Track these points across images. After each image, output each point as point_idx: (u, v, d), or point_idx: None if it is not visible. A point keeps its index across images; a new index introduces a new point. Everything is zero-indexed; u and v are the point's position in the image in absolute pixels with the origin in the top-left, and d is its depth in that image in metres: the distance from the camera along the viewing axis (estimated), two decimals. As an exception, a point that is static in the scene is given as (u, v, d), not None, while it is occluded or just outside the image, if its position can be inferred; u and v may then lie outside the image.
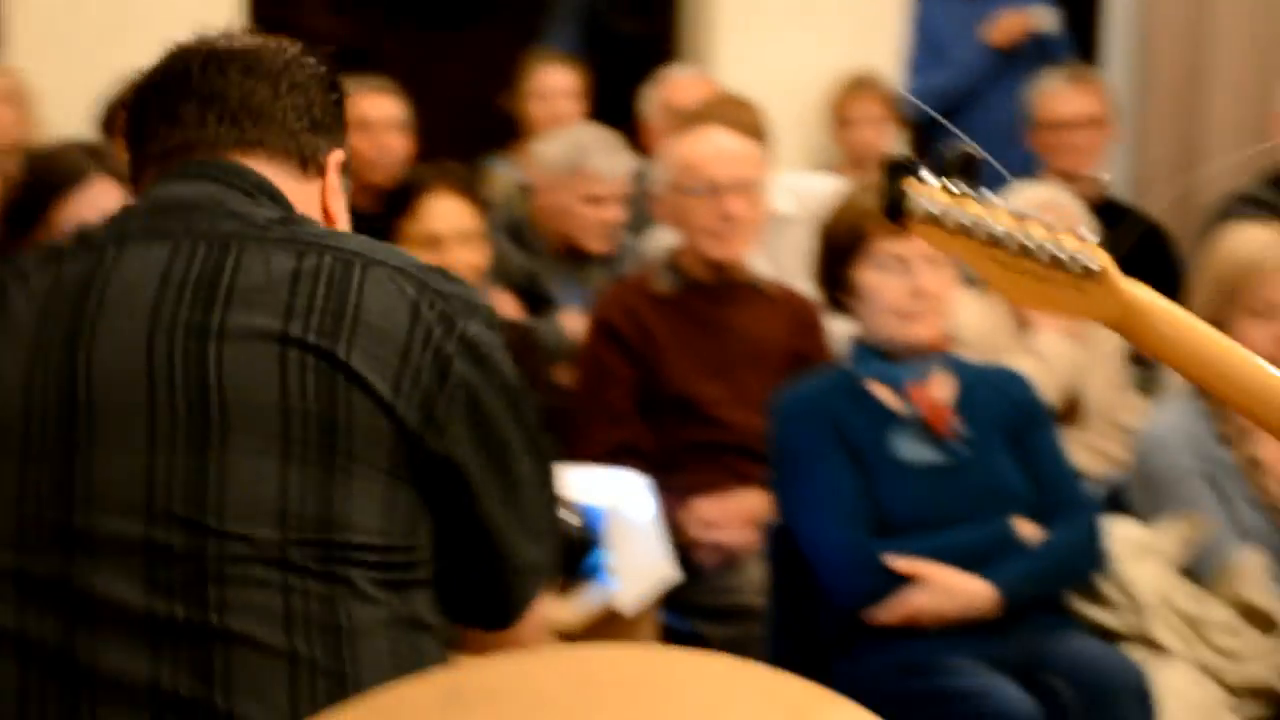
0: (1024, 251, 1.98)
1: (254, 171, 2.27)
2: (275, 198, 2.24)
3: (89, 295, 2.20)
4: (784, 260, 4.64)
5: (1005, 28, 6.09)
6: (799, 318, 4.18)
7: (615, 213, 4.83)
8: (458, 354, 2.13)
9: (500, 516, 2.22)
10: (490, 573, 2.29)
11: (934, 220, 2.00)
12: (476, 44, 7.70)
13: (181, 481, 2.10)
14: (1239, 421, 3.48)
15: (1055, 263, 1.96)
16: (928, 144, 5.78)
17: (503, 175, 5.83)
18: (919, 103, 5.81)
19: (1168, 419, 3.67)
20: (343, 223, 2.39)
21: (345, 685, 1.89)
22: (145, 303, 2.17)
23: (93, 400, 2.16)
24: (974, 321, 4.06)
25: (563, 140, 5.00)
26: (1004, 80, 6.12)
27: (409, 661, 2.01)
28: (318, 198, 2.33)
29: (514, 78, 5.96)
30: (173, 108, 2.33)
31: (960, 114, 6.07)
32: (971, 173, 2.31)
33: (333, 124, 2.38)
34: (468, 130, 6.45)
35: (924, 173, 2.05)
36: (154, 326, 2.15)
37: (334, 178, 2.36)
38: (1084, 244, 1.95)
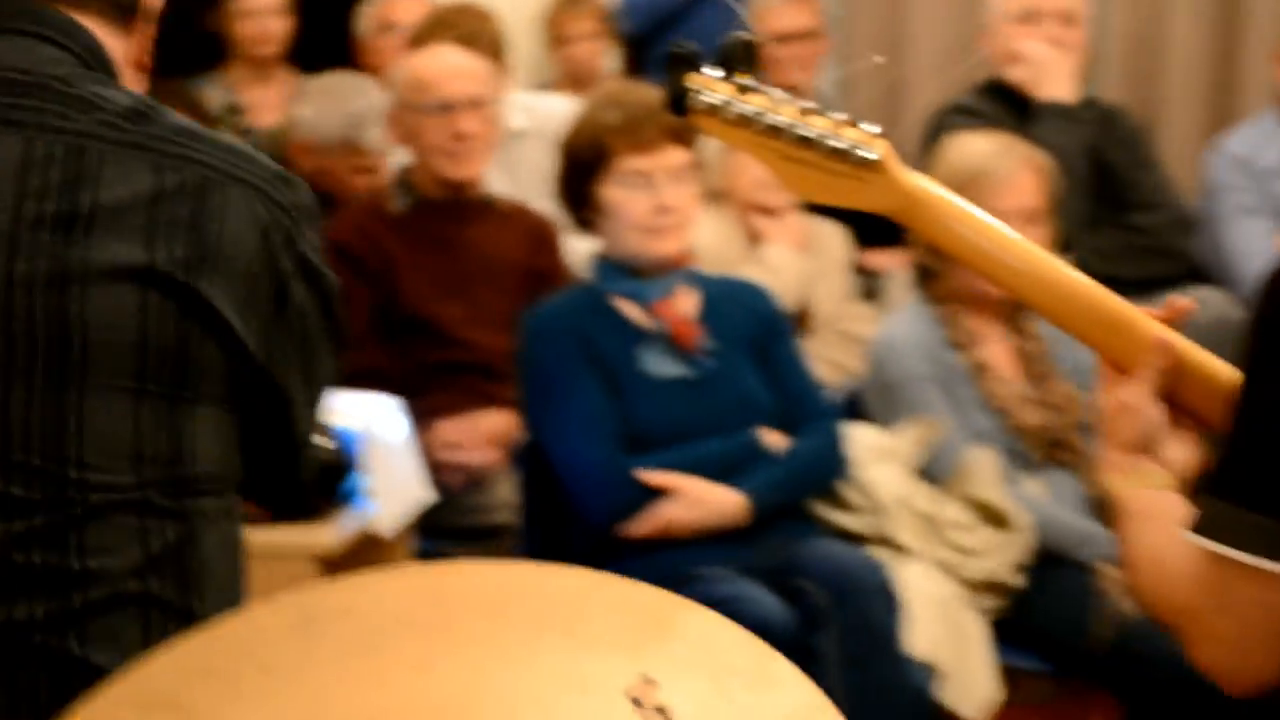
0: (804, 143, 1.99)
1: (82, 28, 2.12)
2: (107, 66, 2.12)
3: None
4: (520, 178, 4.63)
5: None
6: (536, 235, 4.20)
7: (382, 177, 4.76)
8: (294, 276, 2.12)
9: (305, 423, 2.25)
10: (293, 470, 2.31)
11: (716, 113, 1.99)
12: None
13: (39, 431, 2.05)
14: (968, 327, 3.66)
15: (835, 153, 1.98)
16: (641, 59, 5.84)
17: (212, 96, 5.60)
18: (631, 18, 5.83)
19: (900, 326, 3.77)
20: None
21: (194, 622, 1.88)
22: (3, 218, 2.07)
23: None
24: (706, 236, 4.06)
25: (335, 107, 4.78)
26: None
27: (241, 583, 2.04)
28: (134, 52, 2.22)
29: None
30: None
31: (672, 28, 6.04)
32: (752, 62, 2.34)
33: None
34: (171, 50, 6.20)
35: (705, 66, 2.02)
36: (13, 254, 2.04)
37: (149, 26, 2.24)
38: (865, 135, 1.97)
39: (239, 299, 2.09)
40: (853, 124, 2.01)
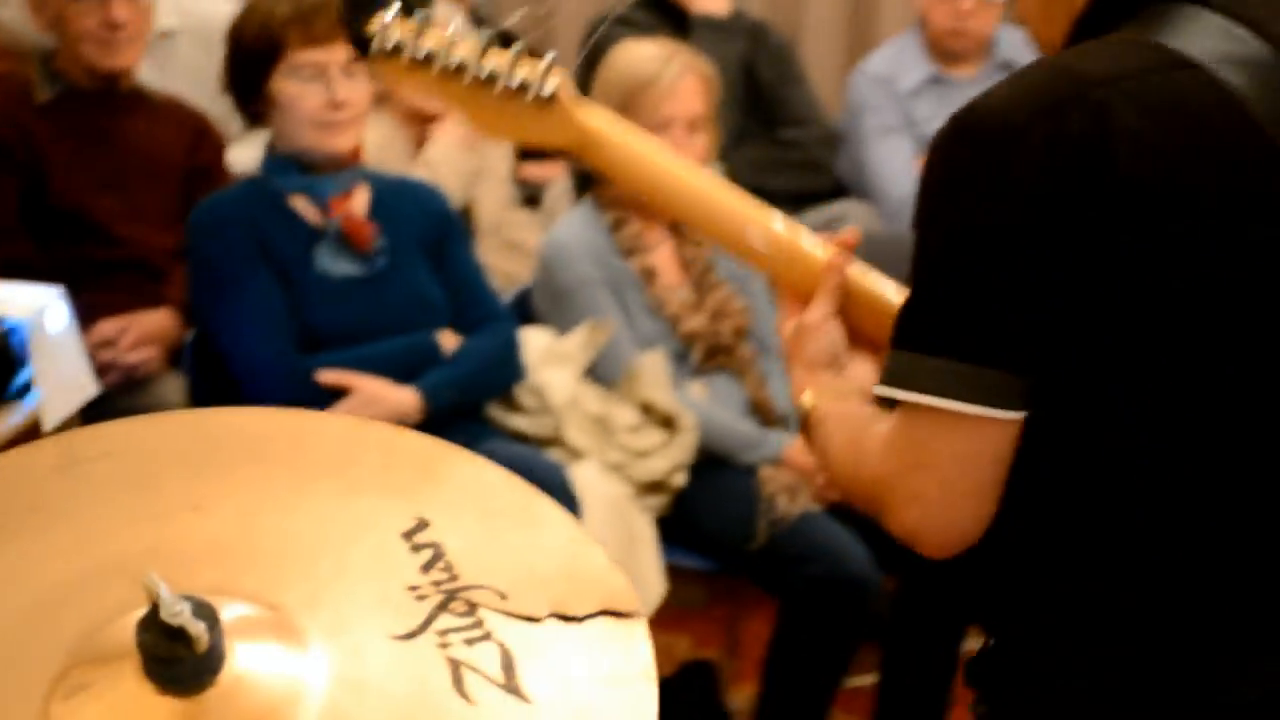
0: (482, 81, 2.07)
1: None
2: None
3: None
4: (172, 79, 4.51)
5: None
6: (195, 131, 4.13)
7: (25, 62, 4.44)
8: None
9: None
10: None
11: (397, 55, 2.07)
12: None
13: None
14: (635, 233, 3.72)
15: (511, 90, 2.06)
16: None
17: None
18: None
19: (568, 231, 3.81)
20: None
21: None
22: None
23: None
24: (370, 138, 3.99)
25: None
26: None
27: None
28: None
29: None
30: None
31: None
32: (420, 4, 2.39)
33: None
34: None
35: (379, 9, 2.08)
36: None
37: None
38: (543, 71, 2.06)
39: None
40: (531, 57, 2.09)
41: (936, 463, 1.84)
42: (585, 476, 3.60)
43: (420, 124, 4.46)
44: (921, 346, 1.81)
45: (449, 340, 3.58)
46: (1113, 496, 1.86)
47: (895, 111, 4.55)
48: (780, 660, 3.72)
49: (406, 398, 3.47)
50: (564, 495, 3.53)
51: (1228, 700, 1.91)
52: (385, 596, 1.58)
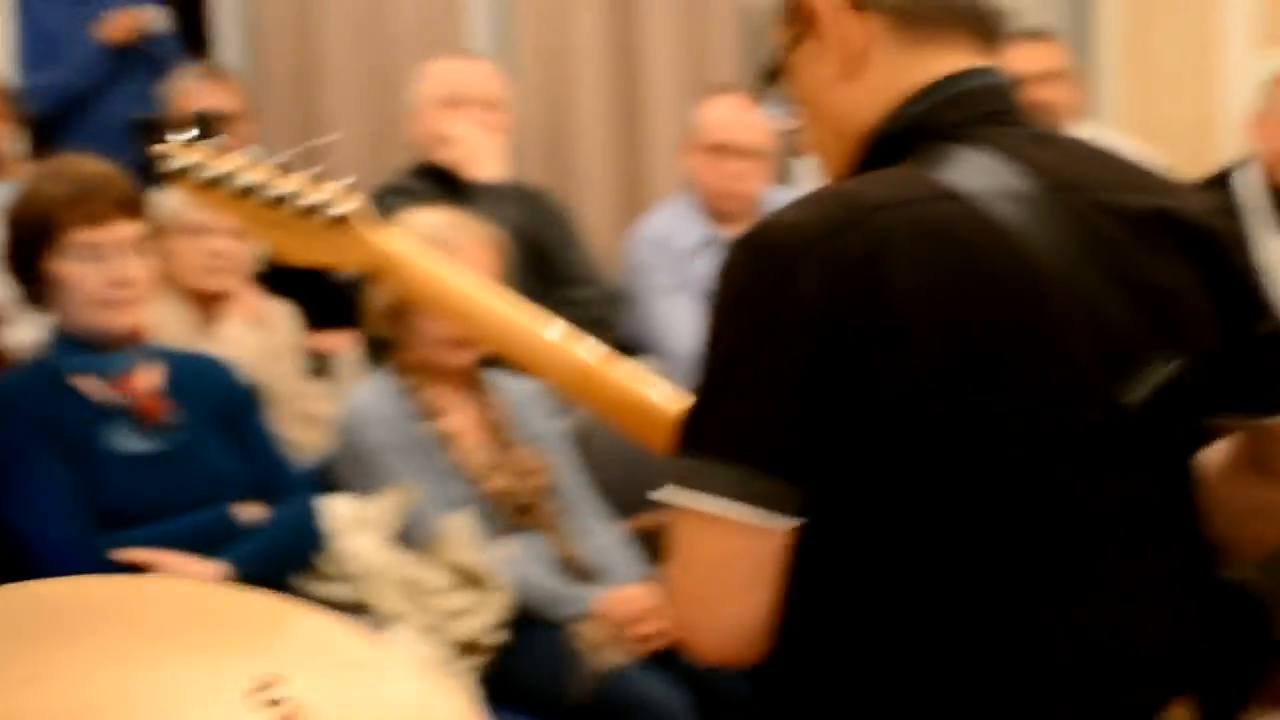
0: (276, 201, 2.16)
1: None
2: None
3: None
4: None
5: (116, 27, 6.01)
6: None
7: None
8: None
9: None
10: None
11: (188, 175, 2.17)
12: None
13: None
14: (431, 397, 3.75)
15: (306, 210, 2.14)
16: (49, 142, 5.73)
17: None
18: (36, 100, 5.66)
19: (366, 398, 3.82)
20: None
21: None
22: None
23: None
24: (157, 314, 3.95)
25: None
26: (120, 78, 6.15)
27: None
28: None
29: None
30: None
31: (81, 111, 6.08)
32: (210, 128, 2.42)
33: None
34: None
35: (171, 134, 2.21)
36: None
37: None
38: (337, 191, 2.14)
39: None
40: (326, 181, 2.17)
41: (697, 562, 1.87)
42: (399, 640, 3.48)
43: (206, 302, 4.42)
44: (696, 450, 1.84)
45: (248, 512, 3.53)
46: (883, 598, 1.88)
47: (675, 270, 4.62)
48: None
49: (210, 571, 3.35)
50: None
51: None
52: None
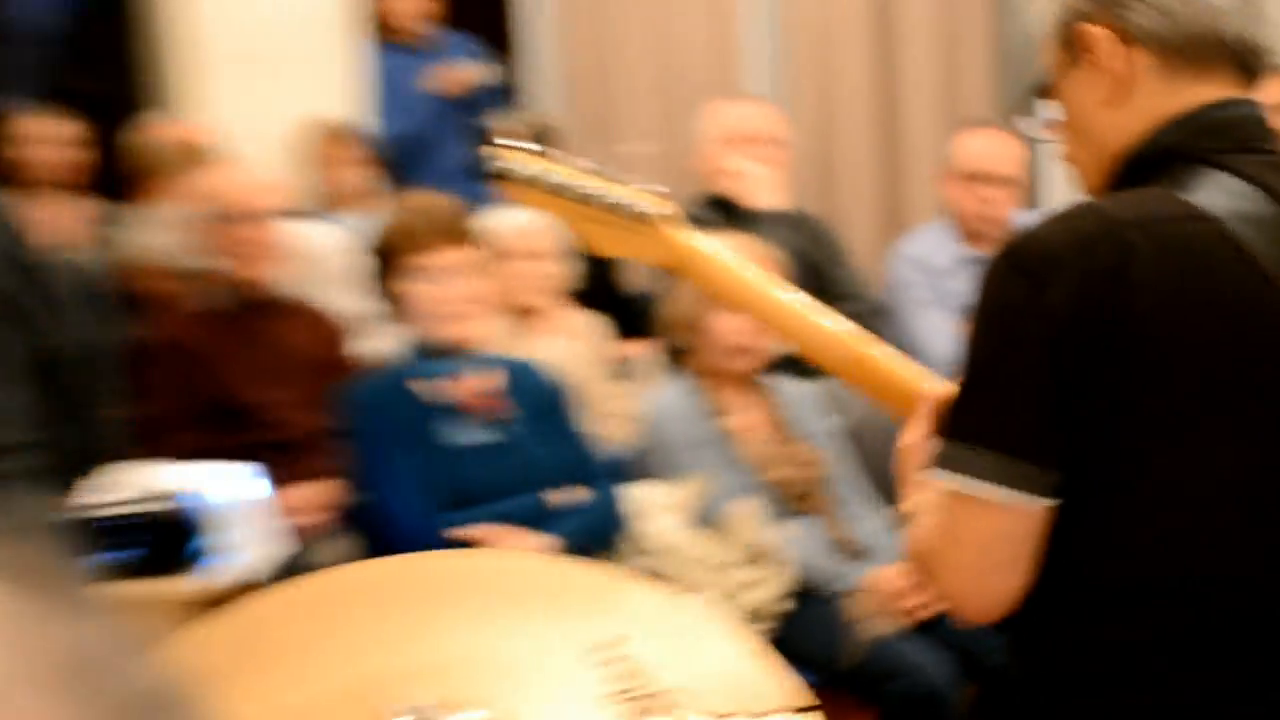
0: (585, 198, 2.13)
1: None
2: None
3: None
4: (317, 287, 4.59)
5: (452, 82, 6.05)
6: (322, 329, 4.20)
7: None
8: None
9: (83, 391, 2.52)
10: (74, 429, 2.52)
11: (517, 178, 2.15)
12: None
13: None
14: (720, 398, 3.73)
15: (612, 208, 2.12)
16: (399, 180, 5.81)
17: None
18: (383, 145, 5.75)
19: (665, 398, 3.82)
20: None
21: None
22: None
23: None
24: (494, 327, 4.04)
25: (168, 237, 4.58)
26: (455, 125, 6.17)
27: None
28: None
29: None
30: None
31: (424, 153, 6.11)
32: (550, 139, 2.39)
33: None
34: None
35: (508, 142, 2.20)
36: None
37: None
38: (644, 193, 2.12)
39: None
40: (644, 189, 2.14)
41: (969, 539, 1.86)
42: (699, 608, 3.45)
43: (529, 316, 4.50)
44: (963, 438, 1.83)
45: (563, 496, 3.58)
46: (1116, 569, 1.87)
47: (932, 287, 4.57)
48: None
49: (538, 545, 3.41)
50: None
51: None
52: (589, 704, 1.65)
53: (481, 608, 1.81)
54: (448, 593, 1.86)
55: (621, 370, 4.77)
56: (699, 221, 4.50)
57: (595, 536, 3.56)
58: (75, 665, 0.41)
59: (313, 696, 1.66)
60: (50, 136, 5.20)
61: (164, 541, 3.34)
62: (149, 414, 3.98)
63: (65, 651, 0.41)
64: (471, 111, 6.14)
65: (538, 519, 3.50)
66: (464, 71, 6.18)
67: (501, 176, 2.20)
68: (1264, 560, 1.93)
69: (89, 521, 3.08)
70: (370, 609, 1.81)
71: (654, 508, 3.61)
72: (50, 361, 2.43)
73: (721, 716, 1.65)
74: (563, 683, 1.69)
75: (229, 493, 3.43)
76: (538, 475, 3.58)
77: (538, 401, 3.64)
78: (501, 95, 6.28)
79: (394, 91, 6.23)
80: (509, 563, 2.05)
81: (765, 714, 1.71)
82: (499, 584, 1.92)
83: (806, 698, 1.76)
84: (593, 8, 6.61)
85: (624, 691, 1.68)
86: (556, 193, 2.17)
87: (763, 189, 4.57)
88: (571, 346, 4.49)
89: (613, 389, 4.59)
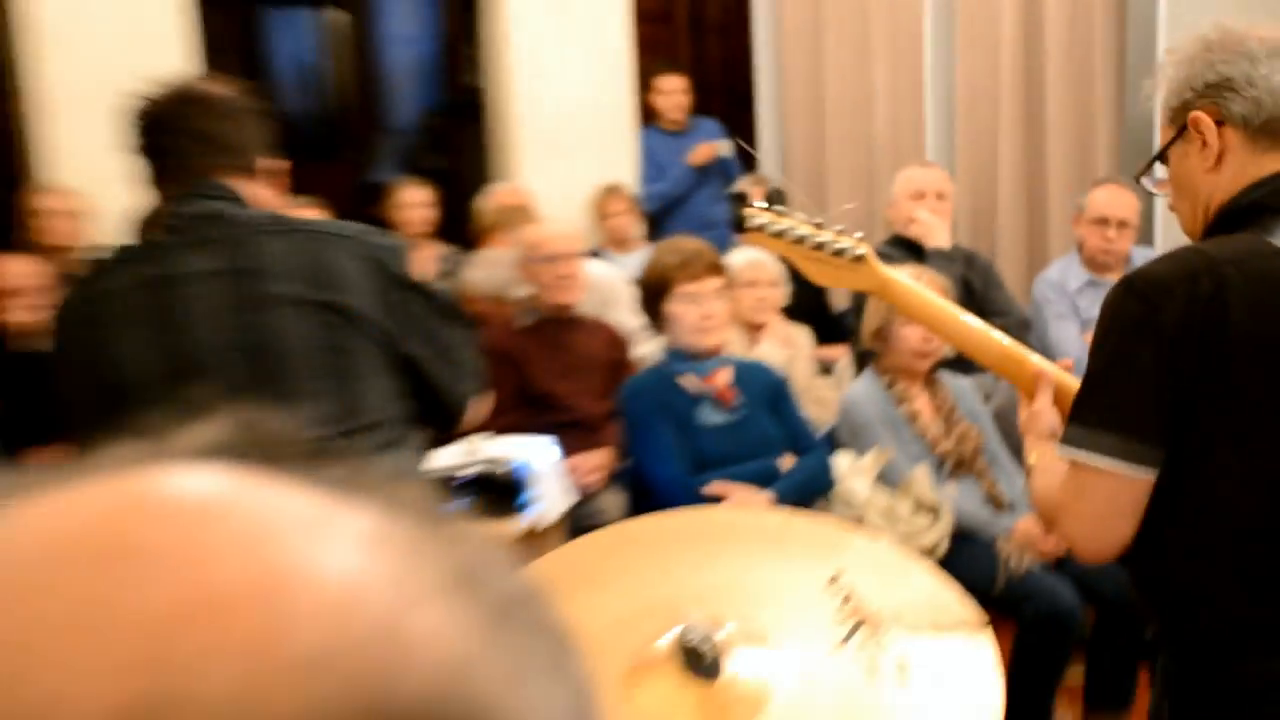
0: (817, 246, 2.16)
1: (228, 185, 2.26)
2: (241, 201, 2.25)
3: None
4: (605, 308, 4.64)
5: (700, 154, 6.06)
6: (611, 338, 4.25)
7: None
8: (392, 284, 2.29)
9: (442, 375, 2.38)
10: (437, 404, 2.43)
11: (760, 229, 2.18)
12: (323, 175, 7.08)
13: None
14: (902, 389, 3.63)
15: (837, 252, 2.15)
16: (657, 230, 5.84)
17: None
18: (649, 203, 5.86)
19: (859, 389, 3.78)
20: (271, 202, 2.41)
21: None
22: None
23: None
24: (726, 336, 4.00)
25: (494, 274, 4.74)
26: (703, 186, 6.13)
27: None
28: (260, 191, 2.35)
29: (381, 196, 5.62)
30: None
31: (679, 208, 6.10)
32: (781, 199, 2.41)
33: (264, 141, 2.39)
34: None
35: (753, 201, 2.28)
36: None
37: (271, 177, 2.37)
38: (854, 240, 2.16)
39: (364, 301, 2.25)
40: (847, 234, 2.20)
41: (1090, 499, 1.84)
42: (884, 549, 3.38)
43: (755, 329, 4.48)
44: (1087, 422, 1.82)
45: (785, 463, 3.56)
46: (1209, 521, 1.86)
47: (1064, 305, 4.46)
48: (1018, 667, 3.48)
49: (763, 498, 3.44)
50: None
51: None
52: (820, 623, 1.61)
53: (733, 550, 1.79)
54: (709, 539, 1.84)
55: (824, 369, 4.74)
56: (886, 257, 4.48)
57: (809, 493, 3.53)
58: (461, 573, 0.38)
59: (624, 610, 1.66)
60: (416, 201, 5.31)
61: (500, 494, 3.40)
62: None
63: (452, 564, 0.38)
64: (715, 175, 6.08)
65: (765, 479, 3.49)
66: (711, 147, 6.06)
67: (752, 229, 2.23)
68: None
69: (447, 479, 3.16)
70: (656, 550, 1.81)
71: (851, 472, 3.59)
72: (409, 357, 2.39)
73: (918, 629, 1.64)
74: (798, 605, 1.65)
75: (539, 459, 3.49)
76: (764, 446, 3.56)
77: (764, 391, 3.61)
78: (740, 165, 6.18)
79: (655, 163, 6.17)
80: (748, 517, 2.03)
81: (950, 627, 1.69)
82: (744, 531, 1.90)
83: (980, 616, 1.73)
84: (811, 97, 6.48)
85: (845, 612, 1.65)
86: (783, 236, 2.20)
87: (937, 233, 4.46)
88: (786, 350, 4.50)
89: (817, 382, 4.57)
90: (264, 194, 2.35)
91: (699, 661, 1.52)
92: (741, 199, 2.45)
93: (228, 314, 2.18)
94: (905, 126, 6.08)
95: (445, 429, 2.58)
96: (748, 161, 6.20)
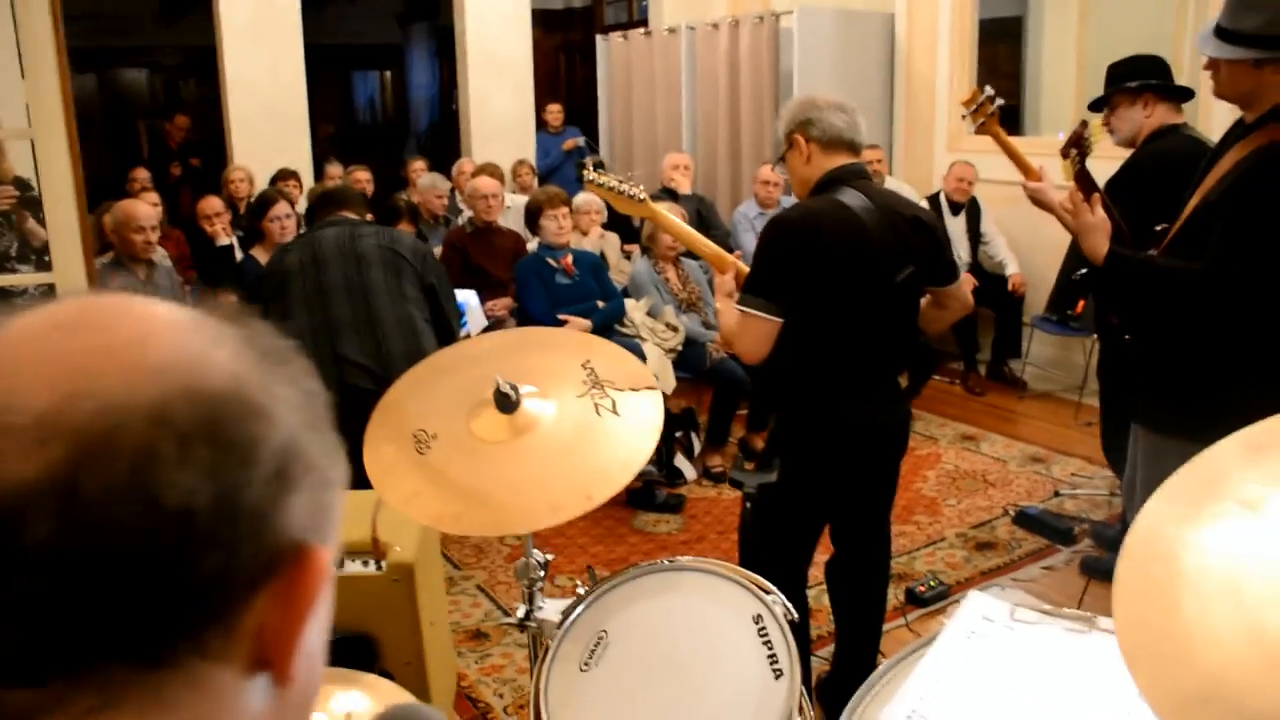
0: (619, 192, 2.38)
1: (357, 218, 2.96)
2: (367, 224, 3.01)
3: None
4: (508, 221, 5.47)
5: (568, 144, 7.49)
6: (515, 239, 5.07)
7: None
8: (413, 255, 2.98)
9: (446, 305, 3.02)
10: (449, 328, 3.02)
11: (591, 182, 2.38)
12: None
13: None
14: (663, 267, 4.51)
15: (630, 196, 2.37)
16: (544, 183, 6.72)
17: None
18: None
19: (640, 265, 4.71)
20: None
21: None
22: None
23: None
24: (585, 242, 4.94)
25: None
26: (567, 162, 7.47)
27: None
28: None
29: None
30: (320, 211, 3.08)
31: (552, 174, 7.41)
32: (603, 167, 2.55)
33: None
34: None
35: (588, 168, 2.46)
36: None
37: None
38: (639, 189, 2.37)
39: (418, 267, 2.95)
40: (636, 185, 2.32)
41: (750, 331, 2.07)
42: (649, 348, 4.43)
43: (584, 234, 5.33)
44: (750, 290, 2.03)
45: (599, 305, 4.41)
46: (806, 340, 2.08)
47: (747, 226, 5.44)
48: (715, 408, 4.55)
49: (587, 324, 4.34)
50: (639, 354, 4.15)
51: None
52: (573, 383, 1.70)
53: (530, 349, 1.80)
54: (521, 346, 1.83)
55: (626, 255, 5.62)
56: (657, 198, 4.74)
57: (611, 321, 4.47)
58: (247, 343, 0.52)
59: (473, 378, 1.67)
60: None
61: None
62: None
63: (243, 338, 0.52)
64: (575, 156, 7.60)
65: (587, 314, 4.41)
66: (574, 141, 7.71)
67: (585, 180, 2.41)
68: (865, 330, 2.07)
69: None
70: (496, 351, 1.81)
71: (633, 309, 4.56)
72: (429, 285, 2.87)
73: (629, 389, 1.67)
74: (561, 374, 1.71)
75: (469, 301, 4.39)
76: (589, 296, 4.48)
77: (589, 266, 4.56)
78: (588, 150, 7.70)
79: (545, 149, 7.83)
80: (538, 336, 2.06)
81: (639, 389, 1.68)
82: (535, 341, 1.89)
83: (653, 382, 1.73)
84: (624, 115, 7.58)
85: (589, 385, 1.69)
86: (602, 186, 2.36)
87: (683, 186, 5.60)
88: (603, 245, 5.51)
89: (623, 264, 5.54)
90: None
91: (506, 401, 1.65)
92: (582, 167, 2.65)
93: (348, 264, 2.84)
94: (671, 131, 7.30)
95: (446, 344, 2.68)
96: (593, 148, 7.93)
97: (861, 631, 2.49)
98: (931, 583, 3.49)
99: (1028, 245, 5.49)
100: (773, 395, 2.40)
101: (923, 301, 2.31)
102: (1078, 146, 2.37)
